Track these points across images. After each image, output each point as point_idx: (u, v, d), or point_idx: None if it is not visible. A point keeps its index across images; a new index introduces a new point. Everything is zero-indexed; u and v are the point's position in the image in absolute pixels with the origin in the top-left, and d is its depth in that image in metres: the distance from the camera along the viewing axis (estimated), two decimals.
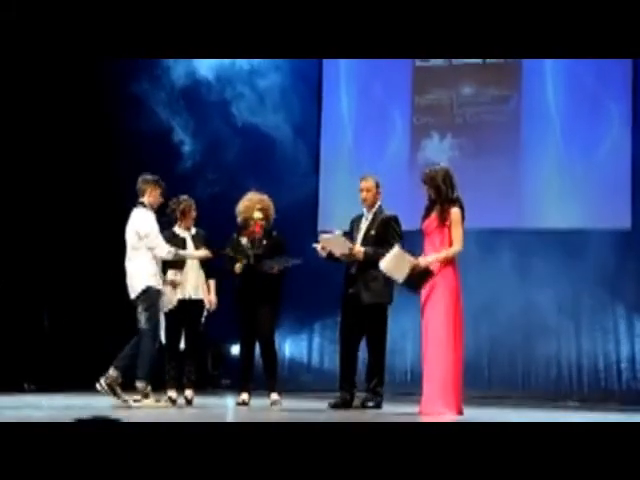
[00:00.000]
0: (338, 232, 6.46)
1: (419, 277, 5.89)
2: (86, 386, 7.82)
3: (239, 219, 6.72)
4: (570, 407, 8.49)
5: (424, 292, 6.02)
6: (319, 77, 10.36)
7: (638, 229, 9.09)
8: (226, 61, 9.63)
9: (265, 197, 6.73)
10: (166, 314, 6.55)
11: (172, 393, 6.67)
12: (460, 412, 5.89)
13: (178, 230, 6.76)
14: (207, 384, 9.59)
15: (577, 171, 9.38)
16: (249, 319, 6.68)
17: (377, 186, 6.55)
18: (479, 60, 9.86)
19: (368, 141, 10.13)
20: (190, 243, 6.72)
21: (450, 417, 5.78)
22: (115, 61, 8.50)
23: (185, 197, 6.80)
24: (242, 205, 6.69)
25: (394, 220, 6.51)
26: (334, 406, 6.40)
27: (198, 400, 6.81)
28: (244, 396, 6.70)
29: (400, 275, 5.91)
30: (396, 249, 5.97)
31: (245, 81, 9.80)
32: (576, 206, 9.28)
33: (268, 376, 6.71)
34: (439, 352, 5.91)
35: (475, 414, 6.46)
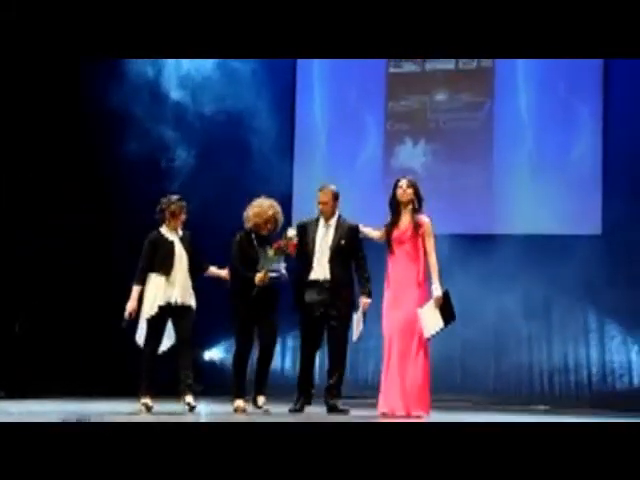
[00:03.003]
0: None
1: (445, 306, 6.18)
2: (57, 392, 7.80)
3: (250, 224, 6.47)
4: (540, 410, 8.59)
5: (391, 297, 6.21)
6: (292, 81, 10.36)
7: (608, 234, 9.18)
8: (198, 65, 9.62)
9: (275, 202, 6.56)
10: (148, 320, 6.39)
11: (148, 400, 6.47)
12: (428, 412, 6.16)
13: (165, 231, 6.55)
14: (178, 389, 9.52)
15: (549, 176, 9.45)
16: (253, 327, 6.50)
17: (335, 198, 6.58)
18: (452, 66, 9.94)
19: (342, 147, 10.15)
20: (179, 246, 6.51)
21: (422, 417, 5.95)
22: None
23: (176, 197, 6.59)
24: (252, 211, 6.47)
25: (357, 230, 6.57)
26: (295, 410, 6.44)
27: (176, 406, 6.74)
28: (241, 403, 6.46)
29: (438, 321, 6.17)
30: (432, 316, 6.17)
31: (218, 85, 9.78)
32: (548, 211, 9.35)
33: (264, 382, 6.61)
34: (412, 355, 6.09)
35: (446, 418, 6.52)
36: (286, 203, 9.96)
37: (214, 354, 9.60)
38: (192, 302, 6.52)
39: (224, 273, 6.63)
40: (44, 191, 9.42)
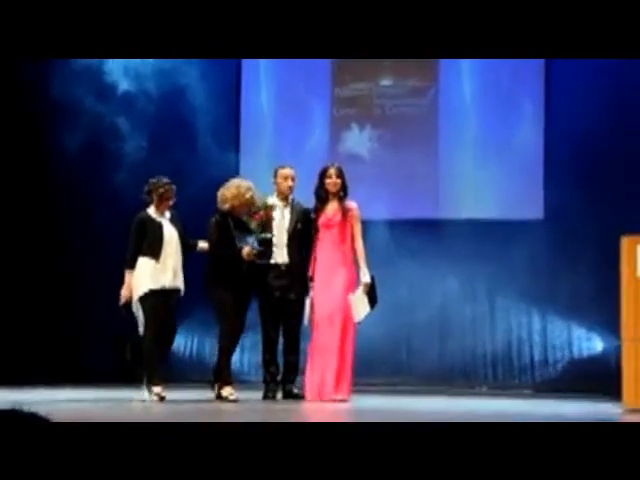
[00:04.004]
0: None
1: (371, 291, 6.30)
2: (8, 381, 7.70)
3: (227, 206, 6.37)
4: (482, 393, 8.75)
5: (319, 281, 6.31)
6: (238, 68, 10.31)
7: (550, 219, 9.34)
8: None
9: (251, 184, 6.50)
10: (142, 304, 6.22)
11: (159, 389, 6.25)
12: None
13: (152, 213, 6.36)
14: (126, 376, 9.48)
15: (492, 162, 9.57)
16: (242, 311, 6.43)
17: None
18: None
19: (288, 133, 10.15)
20: (168, 227, 6.34)
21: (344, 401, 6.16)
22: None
23: (166, 180, 6.42)
24: (229, 192, 6.38)
25: (310, 214, 6.60)
26: (269, 397, 6.48)
27: (124, 394, 6.70)
28: (231, 390, 6.31)
29: (366, 306, 6.30)
30: (362, 301, 6.24)
31: (164, 72, 9.71)
32: (491, 196, 9.49)
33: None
34: (341, 340, 6.26)
35: (390, 401, 6.63)
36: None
37: None
38: (182, 286, 6.36)
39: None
40: None
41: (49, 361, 9.11)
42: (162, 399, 6.16)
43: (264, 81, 10.33)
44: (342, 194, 6.44)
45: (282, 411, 5.71)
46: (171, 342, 6.48)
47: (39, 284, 9.51)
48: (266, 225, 6.45)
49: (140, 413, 5.49)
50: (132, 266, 6.26)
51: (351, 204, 6.43)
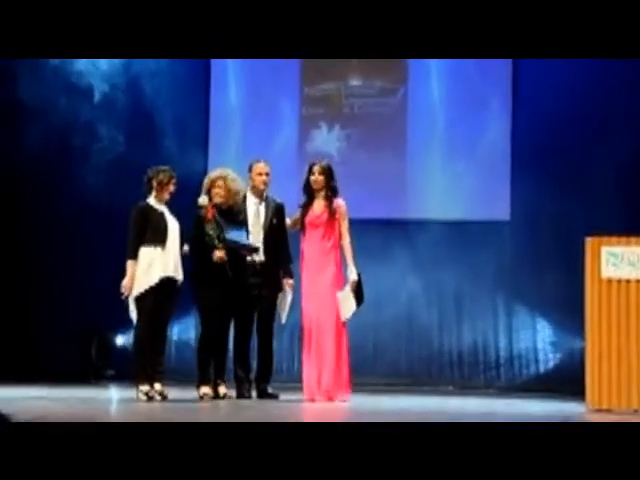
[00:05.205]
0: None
1: (358, 289, 6.31)
2: None
3: (205, 197, 6.27)
4: (448, 392, 8.78)
5: (308, 280, 6.29)
6: (207, 67, 10.27)
7: (516, 220, 9.40)
8: None
9: (229, 170, 6.41)
10: (142, 295, 5.96)
11: (146, 387, 5.94)
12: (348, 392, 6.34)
13: (153, 202, 6.12)
14: (90, 375, 9.43)
15: (460, 163, 9.63)
16: (226, 312, 6.35)
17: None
18: None
19: (257, 131, 10.12)
20: (169, 217, 6.12)
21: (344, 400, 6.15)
22: None
23: (165, 167, 6.20)
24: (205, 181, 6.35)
25: (284, 208, 6.58)
26: (245, 397, 6.39)
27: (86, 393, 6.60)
28: (207, 389, 6.21)
29: (353, 304, 6.29)
30: (349, 299, 6.27)
31: (133, 70, 9.66)
32: (458, 198, 9.55)
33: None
34: (334, 338, 6.22)
35: (362, 400, 6.64)
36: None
37: (126, 339, 9.52)
38: (181, 278, 6.12)
39: None
40: None
41: (7, 358, 9.00)
42: (150, 399, 5.85)
43: (233, 79, 10.29)
44: (329, 193, 6.41)
45: (278, 409, 5.67)
46: (166, 337, 6.24)
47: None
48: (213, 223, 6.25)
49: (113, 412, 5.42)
50: (135, 256, 5.97)
51: (339, 202, 6.41)
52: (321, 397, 6.19)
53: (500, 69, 9.59)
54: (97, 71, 9.54)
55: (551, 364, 9.32)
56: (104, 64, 9.53)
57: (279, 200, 6.60)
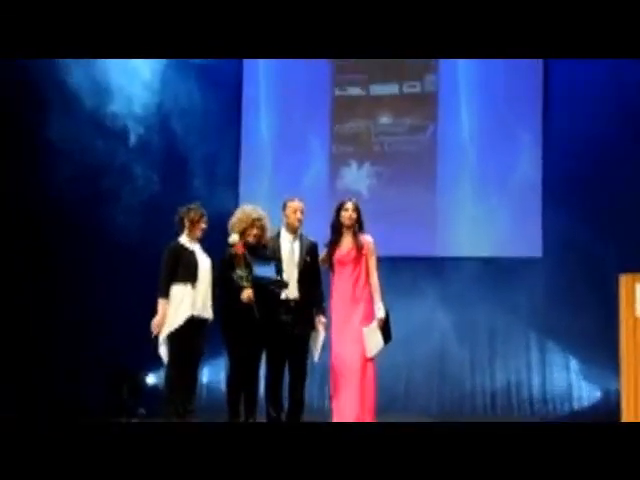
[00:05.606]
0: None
1: (386, 326, 6.27)
2: None
3: (236, 233, 6.21)
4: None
5: (338, 318, 6.26)
6: (239, 103, 10.37)
7: (549, 256, 9.32)
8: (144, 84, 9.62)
9: (258, 207, 6.37)
10: (173, 335, 5.98)
11: None
12: None
13: (184, 241, 6.20)
14: (122, 415, 9.42)
15: (491, 199, 9.59)
16: (258, 355, 6.32)
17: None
18: (396, 90, 10.07)
19: (287, 168, 10.18)
20: (201, 255, 6.18)
21: None
22: None
23: (195, 205, 6.29)
24: (236, 217, 6.28)
25: (317, 247, 6.57)
26: None
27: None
28: None
29: (379, 340, 6.25)
30: (375, 336, 6.25)
31: (165, 106, 9.78)
32: (489, 234, 9.50)
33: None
34: (359, 374, 6.20)
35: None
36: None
37: (157, 378, 9.53)
38: (210, 316, 6.16)
39: None
40: None
41: (36, 400, 9.04)
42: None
43: (264, 117, 10.38)
44: (357, 229, 6.42)
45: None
46: (196, 375, 6.25)
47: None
48: (244, 261, 6.18)
49: None
50: (167, 295, 6.02)
51: (366, 238, 6.40)
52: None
53: (530, 103, 9.58)
54: (130, 113, 9.66)
55: (585, 403, 9.16)
56: (137, 107, 9.64)
57: (312, 239, 6.61)
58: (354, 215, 6.40)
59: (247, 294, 6.09)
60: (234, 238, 6.19)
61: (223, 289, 6.23)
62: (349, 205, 6.43)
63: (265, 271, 6.21)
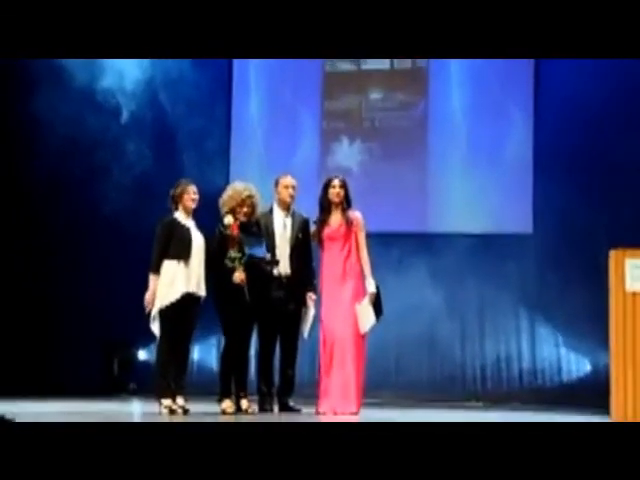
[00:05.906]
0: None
1: (377, 301, 6.30)
2: None
3: (225, 209, 6.19)
4: (474, 407, 8.71)
5: (328, 293, 6.28)
6: (229, 80, 10.33)
7: (539, 233, 9.35)
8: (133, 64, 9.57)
9: (250, 185, 6.32)
10: (165, 309, 5.94)
11: (169, 401, 5.96)
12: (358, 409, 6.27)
13: (178, 216, 6.15)
14: (112, 389, 9.46)
15: (481, 175, 9.60)
16: (251, 325, 6.35)
17: None
18: (387, 66, 10.04)
19: (278, 145, 10.15)
20: (195, 232, 6.13)
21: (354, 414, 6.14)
22: None
23: (183, 180, 6.25)
24: (226, 194, 6.24)
25: (309, 224, 6.57)
26: (265, 410, 6.35)
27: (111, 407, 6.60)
28: (230, 403, 6.13)
29: (371, 316, 6.26)
30: (367, 311, 6.25)
31: (154, 84, 9.73)
32: (480, 210, 9.51)
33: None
34: (353, 351, 6.24)
35: (385, 415, 6.59)
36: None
37: (148, 353, 9.55)
38: (203, 293, 6.12)
39: None
40: None
41: (28, 373, 9.05)
42: (173, 413, 5.87)
43: (254, 94, 10.34)
44: (345, 205, 6.44)
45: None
46: (188, 351, 6.22)
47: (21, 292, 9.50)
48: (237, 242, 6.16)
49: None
50: (158, 270, 5.99)
51: (355, 214, 6.43)
52: (325, 410, 6.18)
53: (521, 78, 9.57)
54: (121, 89, 9.62)
55: (575, 377, 9.23)
56: (128, 83, 9.60)
57: (305, 215, 6.61)
58: (342, 192, 6.42)
59: (239, 276, 6.09)
60: (229, 220, 6.17)
61: (215, 270, 6.23)
62: (336, 182, 6.45)
63: (257, 251, 6.22)
